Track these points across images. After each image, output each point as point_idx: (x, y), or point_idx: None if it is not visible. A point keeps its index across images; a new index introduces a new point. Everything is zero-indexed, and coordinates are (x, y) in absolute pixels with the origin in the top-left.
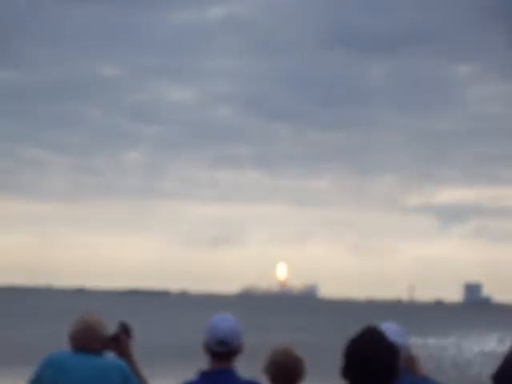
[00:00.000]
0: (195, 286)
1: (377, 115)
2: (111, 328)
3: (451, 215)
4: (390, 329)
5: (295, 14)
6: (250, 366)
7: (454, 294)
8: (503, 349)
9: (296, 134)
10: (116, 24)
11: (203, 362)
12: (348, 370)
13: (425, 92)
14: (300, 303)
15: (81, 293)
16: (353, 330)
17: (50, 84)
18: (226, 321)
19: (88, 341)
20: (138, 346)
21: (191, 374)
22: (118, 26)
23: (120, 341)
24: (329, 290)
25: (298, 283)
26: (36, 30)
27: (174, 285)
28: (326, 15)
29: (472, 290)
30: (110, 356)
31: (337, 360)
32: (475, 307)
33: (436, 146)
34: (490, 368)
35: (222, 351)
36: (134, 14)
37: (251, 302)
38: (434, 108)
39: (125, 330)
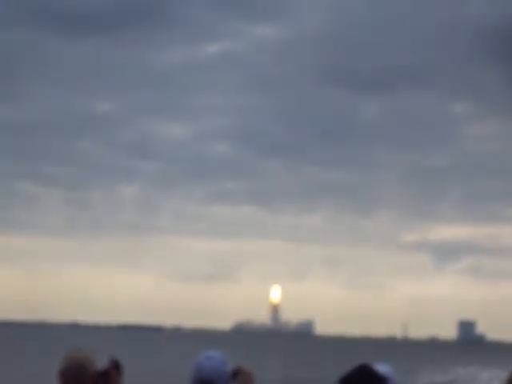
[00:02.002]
0: (189, 322)
1: (373, 152)
2: (102, 363)
3: (447, 252)
4: (383, 368)
5: (289, 51)
6: None
7: (448, 332)
8: None
9: (291, 170)
10: (113, 61)
11: None
12: None
13: (421, 130)
14: (295, 339)
15: (74, 328)
16: (347, 367)
17: (46, 119)
18: (210, 359)
19: (77, 377)
20: (129, 382)
21: None
22: (114, 63)
23: (110, 377)
24: (324, 326)
25: (293, 319)
26: (33, 66)
27: (167, 320)
28: (322, 52)
29: (466, 327)
30: None
31: None
32: (469, 345)
33: (432, 184)
34: None
35: None
36: (131, 51)
37: (246, 337)
38: (430, 146)
39: (115, 366)
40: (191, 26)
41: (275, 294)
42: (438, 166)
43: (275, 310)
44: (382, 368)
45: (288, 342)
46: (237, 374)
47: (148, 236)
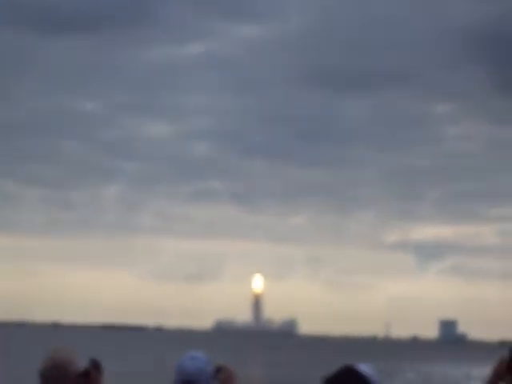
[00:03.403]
0: (171, 321)
1: (355, 152)
2: (83, 363)
3: (428, 252)
4: (366, 369)
5: (271, 51)
6: None
7: (429, 331)
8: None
9: (274, 170)
10: (94, 59)
11: None
12: None
13: (402, 130)
14: (278, 338)
15: (56, 328)
16: (330, 366)
17: (27, 118)
18: (193, 360)
19: (57, 378)
20: (111, 382)
21: None
22: (96, 62)
23: (90, 377)
24: (307, 325)
25: (276, 318)
26: (16, 65)
27: (149, 320)
28: (304, 53)
29: (447, 326)
30: None
31: None
32: (450, 344)
33: (414, 183)
34: None
35: None
36: (112, 49)
37: (228, 336)
38: (412, 145)
39: (95, 367)
40: (175, 25)
41: (257, 284)
42: (420, 165)
43: (257, 301)
44: (363, 368)
45: (271, 341)
46: (218, 372)
47: (131, 236)
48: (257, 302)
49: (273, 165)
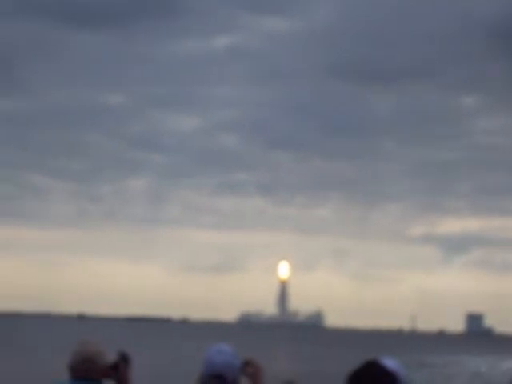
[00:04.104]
0: (197, 313)
1: (381, 145)
2: (111, 356)
3: (454, 245)
4: (391, 363)
5: (298, 44)
6: None
7: (456, 325)
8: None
9: (300, 163)
10: (121, 52)
11: None
12: None
13: (431, 123)
14: (304, 331)
15: (82, 320)
16: (356, 360)
17: (55, 111)
18: (221, 353)
19: (87, 371)
20: (137, 374)
21: None
22: (123, 55)
23: (119, 370)
24: (333, 317)
25: (301, 311)
26: (41, 58)
27: (175, 312)
28: (330, 46)
29: (474, 320)
30: None
31: None
32: (477, 338)
33: (440, 177)
34: None
35: None
36: (139, 42)
37: (254, 329)
38: (439, 139)
39: (124, 359)
40: (202, 18)
41: (283, 271)
42: (447, 159)
43: (283, 290)
44: (389, 363)
45: (296, 333)
46: (246, 366)
47: (157, 228)
48: (283, 292)
49: (298, 157)
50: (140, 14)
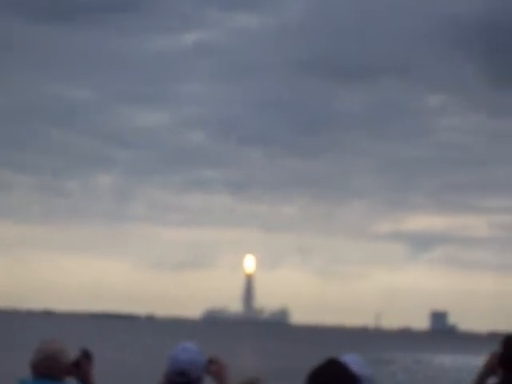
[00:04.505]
0: (163, 310)
1: (349, 142)
2: (75, 353)
3: (420, 243)
4: (353, 360)
5: (268, 40)
6: None
7: (420, 322)
8: None
9: (268, 159)
10: (91, 49)
11: None
12: None
13: (396, 120)
14: (269, 328)
15: (47, 316)
16: (320, 357)
17: (23, 107)
18: (186, 351)
19: (49, 368)
20: (101, 371)
21: None
22: (92, 51)
23: (81, 367)
24: (299, 314)
25: (267, 308)
26: (8, 52)
27: (141, 308)
28: (300, 43)
29: (438, 318)
30: (72, 383)
31: None
32: (441, 335)
33: (406, 174)
34: None
35: (181, 382)
36: (108, 39)
37: (219, 326)
38: (405, 136)
39: (86, 356)
40: (170, 14)
41: (249, 265)
42: (414, 156)
43: (249, 286)
44: (351, 359)
45: (262, 330)
46: (210, 364)
47: (124, 224)
48: (248, 287)
49: (267, 154)
50: (109, 11)
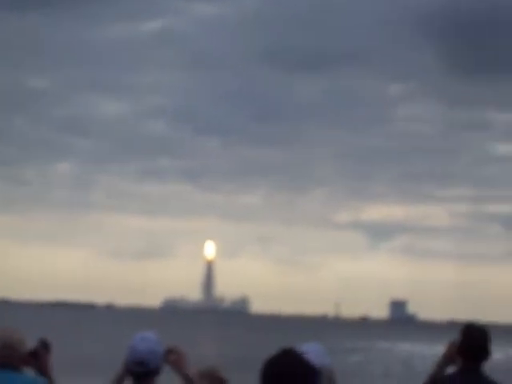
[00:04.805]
0: (122, 299)
1: (308, 131)
2: (32, 343)
3: (379, 232)
4: (312, 349)
5: (228, 29)
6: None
7: (380, 311)
8: None
9: (227, 149)
10: (47, 36)
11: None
12: None
13: (355, 109)
14: (229, 317)
15: (4, 305)
16: (280, 345)
17: None
18: (144, 341)
19: (6, 358)
20: (60, 361)
21: None
22: (49, 38)
23: (39, 357)
24: (259, 303)
25: (227, 297)
26: None
27: (100, 297)
28: (259, 32)
29: (397, 307)
30: (30, 373)
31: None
32: (400, 324)
33: (365, 163)
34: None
35: (140, 371)
36: (66, 26)
37: (178, 315)
38: (364, 125)
39: (44, 346)
40: (129, 2)
41: (209, 250)
42: (372, 145)
43: (209, 273)
44: (310, 348)
45: (222, 319)
46: (169, 353)
47: (81, 213)
48: (208, 275)
49: (226, 143)
50: None
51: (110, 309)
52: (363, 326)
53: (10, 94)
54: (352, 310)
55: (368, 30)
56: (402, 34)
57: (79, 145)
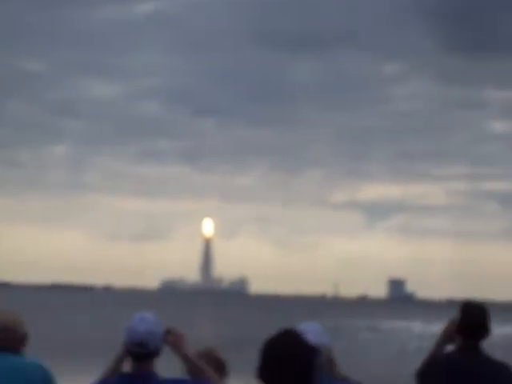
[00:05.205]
0: (120, 281)
1: (304, 112)
2: (32, 324)
3: (376, 211)
4: (311, 329)
5: (222, 11)
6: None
7: (378, 290)
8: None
9: (223, 130)
10: (40, 18)
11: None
12: (263, 371)
13: (351, 89)
14: (228, 297)
15: (3, 287)
16: (279, 325)
17: None
18: (143, 322)
19: (5, 340)
20: (59, 342)
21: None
22: (42, 21)
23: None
24: (257, 284)
25: (225, 277)
26: None
27: (98, 279)
28: (253, 13)
29: (396, 285)
30: (31, 356)
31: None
32: (399, 303)
33: (361, 143)
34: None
35: (140, 352)
36: (59, 8)
37: (177, 296)
38: (360, 105)
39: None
40: None
41: (207, 228)
42: (368, 125)
43: (207, 252)
44: (309, 328)
45: (220, 300)
46: (167, 334)
47: (79, 195)
48: (207, 253)
49: (222, 124)
50: None
51: (108, 291)
52: (361, 305)
53: (4, 77)
54: (350, 289)
55: (362, 10)
56: (397, 13)
57: (74, 127)
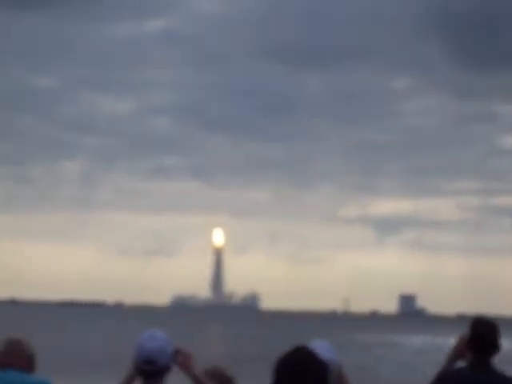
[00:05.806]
0: (131, 297)
1: (315, 127)
2: (42, 341)
3: (387, 226)
4: (321, 346)
5: (232, 26)
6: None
7: (389, 305)
8: None
9: (234, 145)
10: (53, 35)
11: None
12: None
13: (362, 104)
14: (239, 313)
15: (13, 304)
16: (291, 342)
17: None
18: (153, 339)
19: (13, 360)
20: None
21: None
22: (54, 37)
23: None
24: (268, 299)
25: (237, 293)
26: None
27: (109, 296)
28: (265, 28)
29: (407, 301)
30: (40, 374)
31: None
32: (410, 318)
33: (373, 158)
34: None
35: (149, 370)
36: (72, 25)
37: (188, 312)
38: (371, 120)
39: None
40: (134, 0)
41: (217, 237)
42: (380, 139)
43: (218, 254)
44: (319, 345)
45: (231, 316)
46: (176, 354)
47: (90, 211)
48: (218, 268)
49: (233, 140)
50: None
51: (118, 307)
52: (372, 321)
53: (18, 92)
54: (361, 304)
55: (372, 24)
56: (406, 28)
57: (87, 143)
